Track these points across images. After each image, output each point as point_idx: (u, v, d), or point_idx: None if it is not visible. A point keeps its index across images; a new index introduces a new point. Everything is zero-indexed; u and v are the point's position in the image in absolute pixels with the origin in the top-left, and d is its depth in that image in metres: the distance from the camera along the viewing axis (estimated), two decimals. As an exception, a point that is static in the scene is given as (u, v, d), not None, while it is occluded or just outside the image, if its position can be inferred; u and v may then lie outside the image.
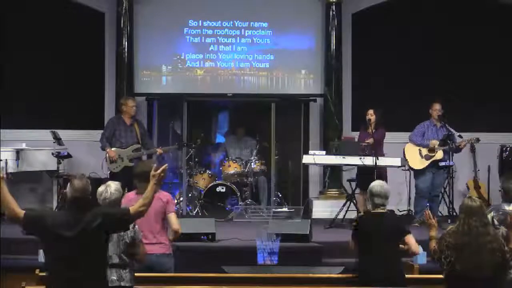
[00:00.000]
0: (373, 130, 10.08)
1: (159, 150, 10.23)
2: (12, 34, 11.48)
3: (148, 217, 6.23)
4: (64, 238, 4.76)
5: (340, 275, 6.56)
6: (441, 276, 5.58)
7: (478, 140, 10.30)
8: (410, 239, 6.03)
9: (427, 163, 10.05)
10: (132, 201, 6.19)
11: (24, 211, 4.85)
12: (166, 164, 5.17)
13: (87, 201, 4.95)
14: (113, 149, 10.04)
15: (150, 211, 6.18)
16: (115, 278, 5.52)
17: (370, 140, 10.03)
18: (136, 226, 5.66)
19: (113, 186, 5.72)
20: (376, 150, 9.84)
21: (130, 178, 9.79)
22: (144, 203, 4.96)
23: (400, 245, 6.06)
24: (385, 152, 10.11)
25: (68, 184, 4.95)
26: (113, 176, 9.62)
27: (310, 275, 6.73)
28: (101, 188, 5.68)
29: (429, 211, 5.97)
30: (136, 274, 5.75)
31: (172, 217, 6.41)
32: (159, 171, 5.00)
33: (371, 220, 6.08)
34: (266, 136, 11.43)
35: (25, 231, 4.92)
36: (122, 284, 5.53)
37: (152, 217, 6.30)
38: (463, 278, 5.31)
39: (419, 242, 6.17)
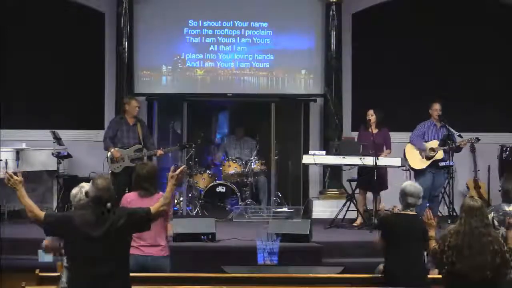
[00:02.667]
0: (374, 131, 10.08)
1: (159, 151, 10.21)
2: (12, 34, 11.48)
3: None
4: (89, 238, 4.82)
5: (349, 275, 6.54)
6: (439, 276, 5.59)
7: (478, 139, 10.30)
8: (431, 244, 6.03)
9: (427, 163, 10.05)
10: (133, 203, 6.21)
11: (44, 213, 4.95)
12: (184, 166, 5.23)
13: (112, 200, 5.00)
14: (116, 149, 10.02)
15: None
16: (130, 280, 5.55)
17: (387, 152, 10.07)
18: None
19: (86, 187, 5.70)
20: (378, 150, 9.84)
21: (131, 178, 9.83)
22: (164, 202, 5.10)
23: None
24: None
25: (90, 183, 5.01)
26: (113, 176, 9.62)
27: (310, 275, 6.72)
28: (74, 190, 5.66)
29: (429, 211, 5.99)
30: (134, 274, 5.75)
31: (170, 226, 6.70)
32: (177, 171, 5.13)
33: (403, 221, 6.11)
34: (266, 136, 11.43)
35: (46, 232, 4.96)
36: None
37: None
38: (462, 278, 5.31)
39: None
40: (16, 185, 5.01)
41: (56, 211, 10.08)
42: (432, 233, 5.80)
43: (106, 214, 4.88)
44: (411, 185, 6.25)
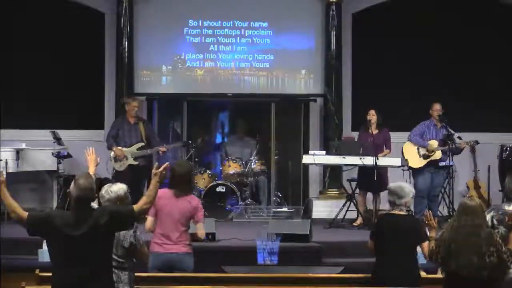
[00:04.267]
0: (374, 131, 10.09)
1: (162, 149, 10.29)
2: (12, 34, 11.49)
3: (171, 216, 6.32)
4: (70, 237, 4.76)
5: (349, 275, 6.54)
6: (440, 276, 5.59)
7: (477, 142, 10.29)
8: (425, 246, 6.01)
9: (425, 162, 10.04)
10: (165, 200, 6.30)
11: (27, 213, 4.87)
12: (168, 163, 5.27)
13: (93, 200, 4.97)
14: (118, 147, 10.12)
15: (174, 210, 6.34)
16: (113, 279, 5.52)
17: (386, 152, 10.07)
18: (138, 232, 5.66)
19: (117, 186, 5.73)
20: (378, 150, 9.84)
21: (134, 176, 9.95)
22: (148, 201, 5.02)
23: None
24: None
25: (72, 183, 4.94)
26: (117, 175, 9.69)
27: (310, 275, 6.72)
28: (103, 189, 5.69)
29: (429, 212, 5.98)
30: (137, 274, 5.76)
31: (201, 226, 6.52)
32: (160, 169, 5.08)
33: (390, 221, 6.10)
34: (266, 136, 11.43)
35: (29, 232, 4.92)
36: (120, 286, 5.52)
37: (176, 217, 6.35)
38: (458, 278, 5.31)
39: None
40: None
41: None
42: (432, 234, 5.78)
43: (87, 213, 4.83)
44: (398, 185, 6.21)
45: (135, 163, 10.09)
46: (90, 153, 5.86)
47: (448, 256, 5.33)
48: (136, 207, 4.99)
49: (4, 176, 5.00)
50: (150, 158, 10.40)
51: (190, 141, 10.81)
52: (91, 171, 5.72)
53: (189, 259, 6.45)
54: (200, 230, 6.50)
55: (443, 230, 5.53)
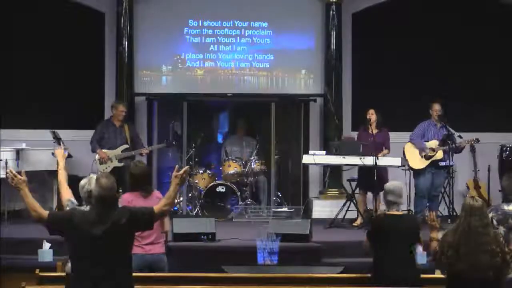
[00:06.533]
0: (374, 130, 10.09)
1: (144, 150, 10.45)
2: (12, 34, 11.49)
3: None
4: (91, 236, 4.80)
5: (349, 275, 6.54)
6: (441, 276, 5.58)
7: (477, 140, 10.30)
8: (433, 245, 6.02)
9: (427, 162, 10.05)
10: (134, 203, 6.24)
11: (47, 212, 4.93)
12: (188, 166, 5.32)
13: (114, 199, 5.00)
14: (103, 150, 10.25)
15: None
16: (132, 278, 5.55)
17: (385, 152, 10.08)
18: None
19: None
20: (378, 150, 9.85)
21: (119, 178, 9.94)
22: (167, 202, 5.08)
23: None
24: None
25: (94, 182, 4.99)
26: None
27: (310, 275, 6.72)
28: (83, 181, 5.72)
29: (433, 213, 5.98)
30: (135, 274, 5.75)
31: (167, 219, 6.65)
32: (181, 172, 5.11)
33: (390, 221, 6.09)
34: (266, 136, 11.43)
35: (49, 230, 4.95)
36: None
37: None
38: (463, 279, 5.30)
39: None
40: (20, 185, 4.99)
41: (56, 210, 10.08)
42: (434, 234, 5.78)
43: (109, 212, 4.87)
44: (392, 184, 6.22)
45: (120, 165, 10.23)
46: (58, 148, 5.98)
47: (457, 259, 5.30)
48: (156, 208, 5.05)
49: (25, 177, 5.01)
50: (134, 159, 10.47)
51: (174, 142, 10.84)
52: (61, 165, 5.76)
53: (165, 259, 6.62)
54: (167, 223, 6.70)
55: (446, 231, 5.51)
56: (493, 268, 5.28)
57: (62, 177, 5.67)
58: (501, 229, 5.78)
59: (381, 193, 9.72)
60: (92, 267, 4.81)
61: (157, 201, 6.26)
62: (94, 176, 5.73)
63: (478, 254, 5.24)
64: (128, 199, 6.39)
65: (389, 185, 6.22)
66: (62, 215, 5.01)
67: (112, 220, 4.85)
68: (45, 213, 4.92)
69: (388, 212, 6.15)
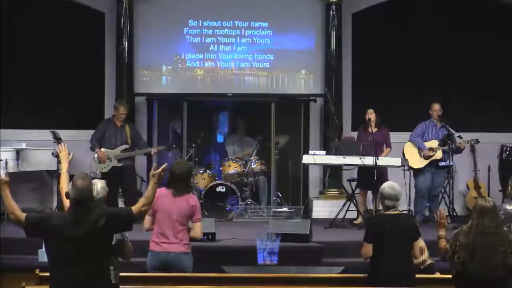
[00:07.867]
0: (374, 130, 10.10)
1: (153, 150, 10.42)
2: (12, 34, 11.49)
3: (169, 215, 6.28)
4: (69, 238, 4.74)
5: (349, 275, 6.54)
6: (441, 276, 5.59)
7: (477, 141, 10.31)
8: (416, 244, 6.04)
9: (426, 162, 10.06)
10: (162, 199, 6.22)
11: (25, 214, 4.86)
12: (166, 164, 5.23)
13: (91, 201, 4.94)
14: (102, 149, 10.18)
15: (172, 209, 6.28)
16: (112, 281, 5.52)
17: (387, 150, 10.07)
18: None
19: (99, 185, 5.73)
20: (377, 150, 9.84)
21: (118, 177, 9.99)
22: (146, 202, 5.00)
23: None
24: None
25: (70, 184, 4.92)
26: (102, 176, 9.70)
27: (310, 275, 6.73)
28: None
29: (441, 211, 6.00)
30: (134, 274, 5.76)
31: (198, 226, 6.47)
32: (159, 170, 5.04)
33: (385, 221, 6.08)
34: (266, 136, 11.43)
35: (27, 233, 4.91)
36: None
37: (174, 216, 6.31)
38: (473, 279, 5.32)
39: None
40: (2, 186, 4.93)
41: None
42: (441, 232, 5.80)
43: (86, 214, 4.80)
44: (389, 187, 6.17)
45: (119, 164, 10.15)
46: (62, 149, 5.81)
47: (471, 259, 5.30)
48: (134, 208, 4.97)
49: (7, 178, 4.98)
50: (134, 159, 10.49)
51: (174, 145, 10.83)
52: (64, 167, 5.69)
53: (188, 258, 6.43)
54: (198, 229, 6.46)
55: (458, 230, 5.51)
56: (505, 268, 5.30)
57: (65, 180, 5.60)
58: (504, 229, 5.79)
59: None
60: (72, 269, 4.74)
61: (185, 204, 6.31)
62: (97, 182, 5.73)
63: (493, 255, 5.27)
64: (158, 193, 6.25)
65: (386, 189, 6.10)
66: (39, 217, 4.91)
67: (89, 222, 4.77)
68: (22, 215, 4.85)
69: (385, 212, 6.14)
